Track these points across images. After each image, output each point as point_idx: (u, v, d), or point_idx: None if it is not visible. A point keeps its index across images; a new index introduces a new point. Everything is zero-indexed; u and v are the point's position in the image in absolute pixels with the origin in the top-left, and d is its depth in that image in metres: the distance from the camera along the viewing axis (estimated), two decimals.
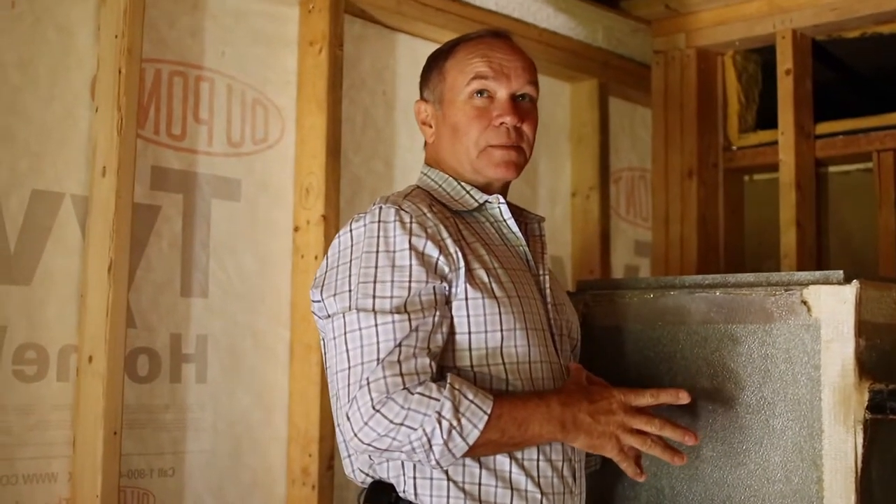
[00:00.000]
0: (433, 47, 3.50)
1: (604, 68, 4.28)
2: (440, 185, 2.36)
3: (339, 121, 3.24)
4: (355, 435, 2.02)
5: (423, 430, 2.00)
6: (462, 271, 2.17)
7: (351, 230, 2.20)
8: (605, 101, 4.28)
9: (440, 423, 2.00)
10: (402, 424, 2.00)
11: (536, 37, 3.93)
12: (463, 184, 2.36)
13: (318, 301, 2.20)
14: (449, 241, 2.18)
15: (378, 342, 2.05)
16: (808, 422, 2.39)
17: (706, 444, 2.51)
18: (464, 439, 2.02)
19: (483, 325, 2.17)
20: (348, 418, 2.03)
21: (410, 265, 2.12)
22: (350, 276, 2.14)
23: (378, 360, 2.03)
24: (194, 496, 2.98)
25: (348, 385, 2.05)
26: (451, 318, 2.16)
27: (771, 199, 3.89)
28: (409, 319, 2.08)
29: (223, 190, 3.12)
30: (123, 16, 2.80)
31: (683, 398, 2.23)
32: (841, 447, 2.35)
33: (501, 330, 2.18)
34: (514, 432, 2.08)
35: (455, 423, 2.01)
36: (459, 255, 2.17)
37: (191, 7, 3.10)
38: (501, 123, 2.32)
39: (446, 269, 2.15)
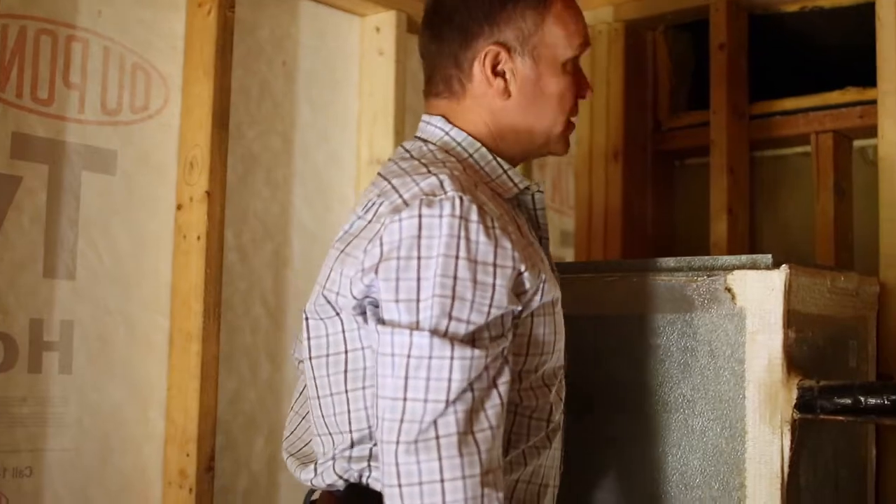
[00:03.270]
0: (340, 16, 3.32)
1: None
2: (479, 164, 2.02)
3: (228, 89, 2.96)
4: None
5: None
6: (541, 285, 1.86)
7: (421, 216, 1.79)
8: None
9: None
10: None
11: None
12: (500, 160, 2.03)
13: (363, 298, 1.85)
14: (531, 250, 1.89)
15: (450, 379, 1.73)
16: (731, 422, 2.20)
17: (618, 446, 2.32)
18: None
19: (540, 346, 1.91)
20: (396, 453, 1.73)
21: (495, 284, 1.78)
22: (425, 279, 1.77)
23: (447, 401, 1.72)
24: (54, 499, 2.69)
25: (401, 421, 1.73)
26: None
27: (702, 186, 3.65)
28: (487, 356, 1.75)
29: (96, 162, 2.82)
30: None
31: None
32: (766, 450, 2.15)
33: (554, 350, 1.93)
34: None
35: None
36: (538, 267, 1.88)
37: None
38: (582, 97, 2.12)
39: (527, 286, 1.84)
